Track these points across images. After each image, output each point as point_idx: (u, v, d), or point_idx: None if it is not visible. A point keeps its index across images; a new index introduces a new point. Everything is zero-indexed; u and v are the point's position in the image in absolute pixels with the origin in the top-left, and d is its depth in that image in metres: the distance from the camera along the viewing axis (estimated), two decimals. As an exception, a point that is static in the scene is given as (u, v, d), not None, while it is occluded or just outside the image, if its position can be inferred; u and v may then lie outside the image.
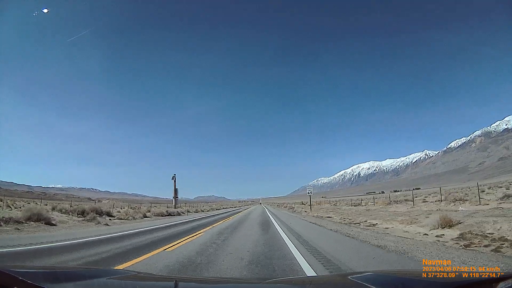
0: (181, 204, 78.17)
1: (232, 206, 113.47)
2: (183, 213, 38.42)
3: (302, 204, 72.07)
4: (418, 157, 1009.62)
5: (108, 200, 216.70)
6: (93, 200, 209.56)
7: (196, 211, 48.39)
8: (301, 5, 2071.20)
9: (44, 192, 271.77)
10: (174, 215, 32.57)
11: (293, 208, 52.74)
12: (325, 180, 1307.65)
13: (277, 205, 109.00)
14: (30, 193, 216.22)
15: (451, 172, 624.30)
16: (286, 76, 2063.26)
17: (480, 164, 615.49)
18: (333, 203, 65.57)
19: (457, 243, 8.25)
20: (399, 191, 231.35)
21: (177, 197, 45.50)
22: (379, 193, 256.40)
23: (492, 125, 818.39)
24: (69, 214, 19.61)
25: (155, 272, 5.19)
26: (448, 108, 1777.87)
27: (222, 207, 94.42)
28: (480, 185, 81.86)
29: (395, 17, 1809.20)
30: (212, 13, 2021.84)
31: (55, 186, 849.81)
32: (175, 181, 47.43)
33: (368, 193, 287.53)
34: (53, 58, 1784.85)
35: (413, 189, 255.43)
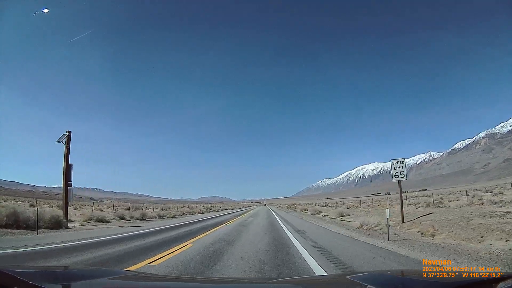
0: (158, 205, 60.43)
1: (229, 208, 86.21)
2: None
3: (328, 205, 54.60)
4: (422, 159, 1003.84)
5: (110, 200, 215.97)
6: (95, 200, 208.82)
7: (133, 217, 26.07)
8: (301, 5, 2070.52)
9: (46, 192, 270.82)
10: (26, 229, 13.55)
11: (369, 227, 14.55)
12: (329, 181, 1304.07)
13: (288, 207, 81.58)
14: (31, 193, 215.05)
15: (457, 174, 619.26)
16: (290, 76, 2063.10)
17: (485, 165, 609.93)
18: (416, 202, 35.76)
19: None
20: (405, 192, 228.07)
21: (71, 183, 18.13)
22: (385, 194, 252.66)
23: (497, 126, 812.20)
24: None
25: None
26: (452, 109, 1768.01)
27: (212, 209, 64.99)
28: (489, 186, 78.34)
29: (398, 17, 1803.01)
30: (212, 13, 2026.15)
31: (59, 186, 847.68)
32: (67, 147, 17.95)
33: (374, 194, 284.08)
34: (55, 58, 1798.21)
35: (420, 190, 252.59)
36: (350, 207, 37.89)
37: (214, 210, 59.74)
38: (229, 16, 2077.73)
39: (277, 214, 36.34)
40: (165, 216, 31.79)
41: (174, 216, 33.16)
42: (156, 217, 29.51)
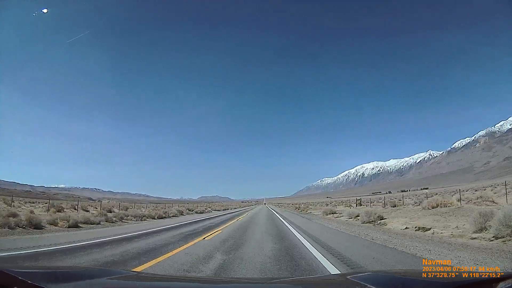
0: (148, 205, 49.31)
1: (220, 209, 67.35)
2: None
3: (361, 204, 40.96)
4: (422, 157, 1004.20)
5: (108, 200, 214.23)
6: (93, 200, 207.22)
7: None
8: (301, 5, 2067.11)
9: (44, 192, 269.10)
10: None
11: None
12: (329, 180, 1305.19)
13: (297, 208, 59.23)
14: (29, 193, 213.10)
15: (457, 172, 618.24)
16: (290, 76, 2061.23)
17: (485, 164, 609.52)
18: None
19: None
20: (406, 191, 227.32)
21: None
22: (386, 193, 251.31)
23: (496, 125, 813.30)
24: None
25: None
26: (452, 109, 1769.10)
27: (194, 210, 44.98)
28: (491, 185, 75.39)
29: (398, 17, 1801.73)
30: (212, 13, 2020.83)
31: (58, 186, 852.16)
32: None
33: (374, 193, 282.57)
34: (55, 58, 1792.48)
35: (421, 188, 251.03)
36: (439, 204, 19.49)
37: (197, 212, 42.75)
38: (229, 16, 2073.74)
39: (294, 226, 17.09)
40: (43, 228, 14.93)
41: (69, 227, 15.86)
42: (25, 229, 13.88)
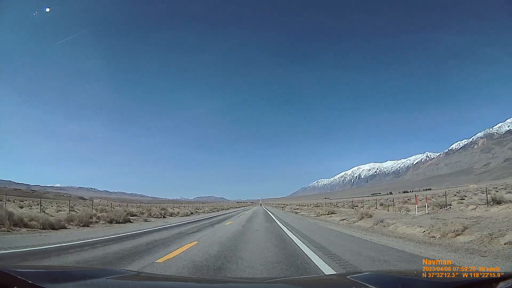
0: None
1: (199, 211, 48.87)
2: None
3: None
4: (419, 159, 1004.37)
5: (100, 200, 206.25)
6: (85, 199, 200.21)
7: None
8: (302, 5, 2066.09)
9: (34, 190, 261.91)
10: None
11: None
12: (325, 181, 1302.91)
13: (313, 211, 39.96)
14: (18, 191, 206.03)
15: (456, 174, 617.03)
16: (285, 76, 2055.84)
17: (485, 165, 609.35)
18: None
19: None
20: (410, 191, 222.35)
21: None
22: (386, 194, 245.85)
23: (494, 126, 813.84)
24: None
25: None
26: (449, 110, 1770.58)
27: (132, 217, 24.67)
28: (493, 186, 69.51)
29: (395, 17, 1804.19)
30: (212, 13, 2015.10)
31: (54, 185, 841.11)
32: None
33: (374, 194, 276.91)
34: (52, 58, 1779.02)
35: (424, 189, 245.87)
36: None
37: (171, 215, 28.08)
38: (229, 16, 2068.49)
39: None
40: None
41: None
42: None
